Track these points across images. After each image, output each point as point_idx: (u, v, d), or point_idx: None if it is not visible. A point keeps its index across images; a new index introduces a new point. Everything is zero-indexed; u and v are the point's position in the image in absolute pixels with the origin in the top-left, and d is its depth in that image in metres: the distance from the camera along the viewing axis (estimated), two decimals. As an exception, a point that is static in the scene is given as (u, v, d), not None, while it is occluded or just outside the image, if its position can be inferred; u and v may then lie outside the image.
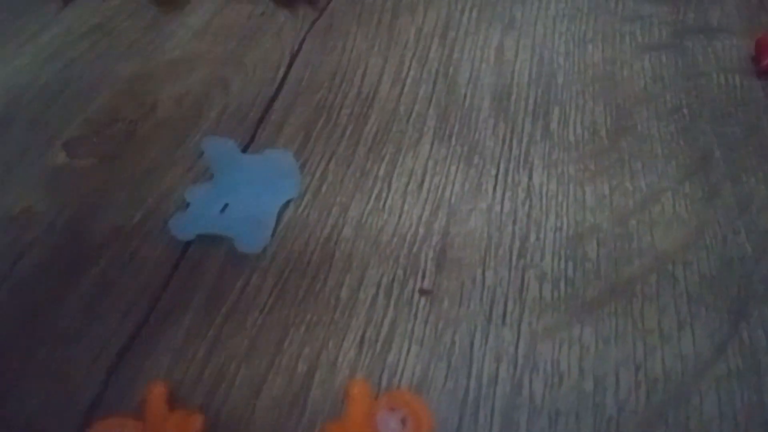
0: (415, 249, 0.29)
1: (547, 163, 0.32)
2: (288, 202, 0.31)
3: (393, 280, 0.28)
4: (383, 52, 0.39)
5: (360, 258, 0.28)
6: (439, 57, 0.39)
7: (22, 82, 0.37)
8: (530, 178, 0.31)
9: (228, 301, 0.27)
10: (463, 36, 0.40)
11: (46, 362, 0.25)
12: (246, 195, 0.30)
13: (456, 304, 0.27)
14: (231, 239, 0.29)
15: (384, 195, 0.31)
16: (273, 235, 0.29)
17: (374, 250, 0.29)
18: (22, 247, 0.29)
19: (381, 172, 0.32)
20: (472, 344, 0.25)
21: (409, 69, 0.38)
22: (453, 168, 0.32)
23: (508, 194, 0.31)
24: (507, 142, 0.33)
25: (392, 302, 0.27)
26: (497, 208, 0.30)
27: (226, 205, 0.30)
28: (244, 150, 0.33)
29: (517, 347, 0.25)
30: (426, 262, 0.28)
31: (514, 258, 0.28)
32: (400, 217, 0.30)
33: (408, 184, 0.31)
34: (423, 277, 0.28)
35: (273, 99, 0.36)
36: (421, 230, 0.29)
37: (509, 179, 0.31)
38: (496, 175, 0.32)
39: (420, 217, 0.30)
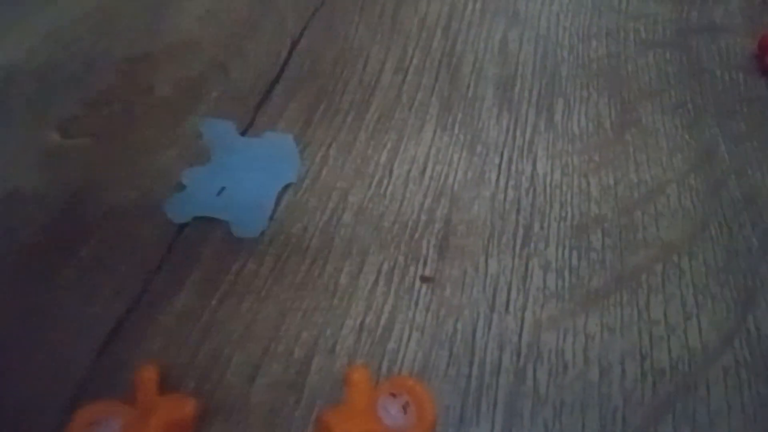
0: (416, 236, 0.28)
1: (551, 153, 0.31)
2: (287, 186, 0.30)
3: (394, 266, 0.27)
4: (385, 42, 0.39)
5: (360, 244, 0.28)
6: (442, 47, 0.38)
7: (17, 61, 0.36)
8: (534, 167, 0.31)
9: (223, 284, 0.26)
10: (466, 28, 0.40)
11: (35, 342, 0.24)
12: (244, 178, 0.29)
13: (458, 292, 0.26)
14: (227, 223, 0.28)
15: (385, 182, 0.30)
16: (271, 219, 0.29)
17: (375, 237, 0.28)
18: (13, 226, 0.28)
19: (382, 159, 0.31)
20: (474, 332, 0.25)
21: (411, 58, 0.37)
22: (456, 156, 0.31)
23: (511, 183, 0.30)
24: (510, 131, 0.33)
25: (393, 289, 0.26)
26: (500, 196, 0.30)
27: (223, 188, 0.29)
28: (243, 133, 0.32)
29: (520, 336, 0.25)
30: (428, 249, 0.28)
31: (518, 247, 0.28)
32: (401, 203, 0.29)
33: (410, 171, 0.31)
34: (424, 264, 0.27)
35: (273, 84, 0.35)
36: (423, 217, 0.29)
37: (513, 168, 0.31)
38: (500, 164, 0.31)
39: (422, 204, 0.29)
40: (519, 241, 0.28)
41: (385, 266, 0.27)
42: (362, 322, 0.25)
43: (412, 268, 0.27)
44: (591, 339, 0.24)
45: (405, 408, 0.21)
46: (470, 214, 0.29)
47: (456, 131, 0.33)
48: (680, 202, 0.29)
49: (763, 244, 0.27)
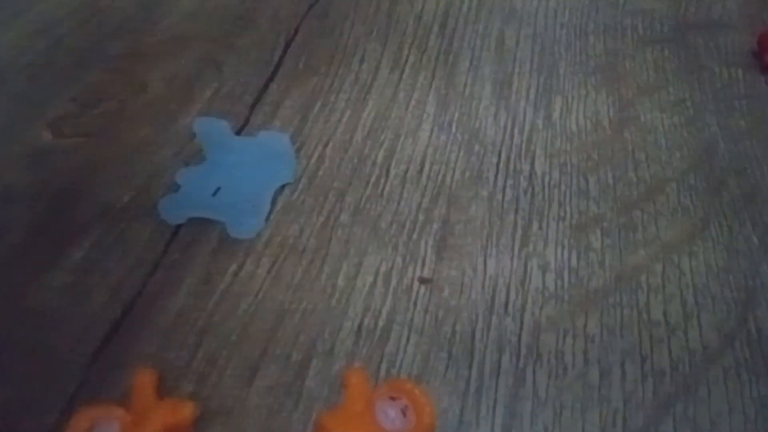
0: (414, 236, 0.28)
1: (549, 152, 0.31)
2: (283, 187, 0.30)
3: (392, 267, 0.27)
4: (381, 39, 0.38)
5: (357, 245, 0.27)
6: (438, 45, 0.38)
7: (7, 57, 0.36)
8: (532, 166, 0.31)
9: (220, 285, 0.26)
10: (462, 25, 0.39)
11: (28, 345, 0.24)
12: (239, 178, 0.29)
13: (457, 293, 0.26)
14: (223, 223, 0.28)
15: (382, 181, 0.30)
16: (267, 219, 0.28)
17: (372, 237, 0.28)
18: (4, 226, 0.28)
19: (379, 159, 0.31)
20: (473, 334, 0.25)
21: (408, 56, 0.37)
22: (453, 155, 0.31)
23: (509, 182, 0.30)
24: (508, 130, 0.32)
25: (391, 290, 0.26)
26: (499, 196, 0.29)
27: (218, 188, 0.29)
28: (238, 132, 0.32)
29: (519, 337, 0.24)
30: (426, 249, 0.27)
31: (517, 247, 0.27)
32: (399, 203, 0.29)
33: (407, 170, 0.30)
34: (423, 265, 0.27)
35: (268, 82, 0.35)
36: (421, 217, 0.28)
37: (511, 167, 0.31)
38: (498, 163, 0.31)
39: (419, 204, 0.29)
40: (517, 242, 0.27)
41: (383, 267, 0.27)
42: (360, 324, 0.25)
43: (410, 269, 0.27)
44: (591, 340, 0.24)
45: (404, 411, 0.21)
46: (468, 214, 0.28)
47: (453, 130, 0.32)
48: (680, 200, 0.29)
49: (763, 243, 0.27)
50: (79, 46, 0.37)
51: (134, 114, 0.33)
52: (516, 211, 0.29)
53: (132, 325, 0.25)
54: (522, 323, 0.25)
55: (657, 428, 0.22)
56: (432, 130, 0.32)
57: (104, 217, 0.28)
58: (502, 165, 0.31)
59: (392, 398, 0.21)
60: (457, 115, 0.33)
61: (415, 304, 0.25)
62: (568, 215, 0.28)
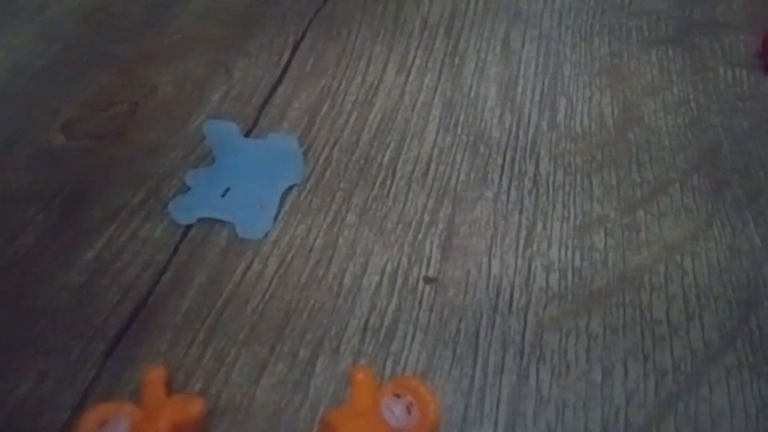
0: (420, 237, 0.28)
1: (553, 153, 0.32)
2: (291, 188, 0.30)
3: (397, 267, 0.27)
4: (388, 41, 0.39)
5: (364, 245, 0.28)
6: (444, 47, 0.38)
7: (21, 61, 0.37)
8: (537, 167, 0.31)
9: (228, 285, 0.26)
10: (468, 27, 0.40)
11: (41, 343, 0.25)
12: (248, 179, 0.30)
13: (461, 292, 0.26)
14: (232, 224, 0.28)
15: (388, 182, 0.30)
16: (275, 220, 0.29)
17: (378, 237, 0.28)
18: (17, 226, 0.29)
19: (385, 160, 0.31)
20: (477, 332, 0.25)
21: (414, 58, 0.37)
22: (458, 157, 0.32)
23: (514, 183, 0.30)
24: (513, 131, 0.33)
25: (396, 289, 0.26)
26: (503, 197, 0.30)
27: (227, 189, 0.29)
28: (247, 134, 0.32)
29: (523, 336, 0.25)
30: (431, 249, 0.28)
31: (521, 247, 0.28)
32: (404, 204, 0.29)
33: (413, 172, 0.31)
34: (428, 265, 0.27)
35: (276, 84, 0.35)
36: (426, 218, 0.29)
37: (515, 169, 0.31)
38: (503, 165, 0.31)
39: (425, 205, 0.29)
40: (522, 242, 0.28)
41: (389, 267, 0.27)
42: (366, 323, 0.25)
43: (415, 269, 0.27)
44: (593, 339, 0.25)
45: (409, 408, 0.22)
46: (473, 215, 0.29)
47: (459, 131, 0.33)
48: (683, 201, 0.29)
49: (766, 243, 0.27)
50: (90, 49, 0.37)
51: (145, 116, 0.34)
52: (520, 212, 0.29)
53: (143, 323, 0.25)
54: (526, 322, 0.25)
55: (659, 427, 0.22)
56: (438, 132, 0.33)
57: (115, 217, 0.29)
58: (507, 166, 0.31)
59: (397, 395, 0.22)
60: (462, 116, 0.34)
61: (420, 303, 0.26)
62: (572, 216, 0.29)
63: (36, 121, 0.33)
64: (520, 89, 0.35)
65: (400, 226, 0.29)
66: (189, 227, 0.28)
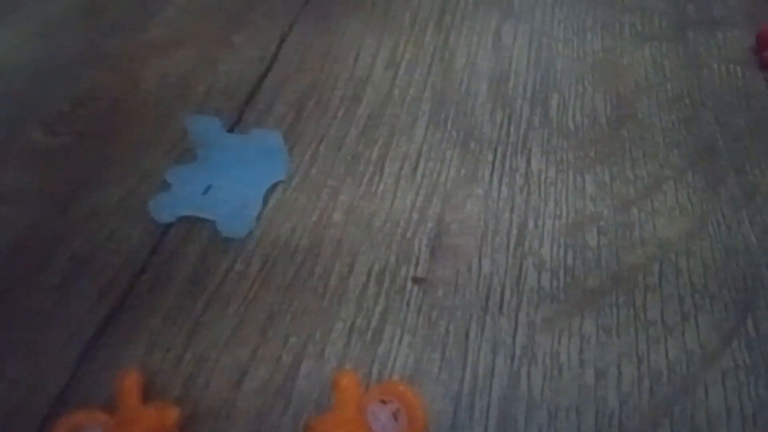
0: (408, 235, 0.27)
1: (545, 149, 0.31)
2: (275, 185, 0.29)
3: (385, 267, 0.26)
4: (377, 35, 0.38)
5: (350, 244, 0.27)
6: (434, 41, 0.37)
7: (2, 55, 0.35)
8: (528, 164, 0.30)
9: (209, 286, 0.26)
10: (459, 21, 0.39)
11: (14, 347, 0.24)
12: (231, 176, 0.29)
13: (451, 293, 0.25)
14: (214, 222, 0.27)
15: (376, 179, 0.30)
16: (259, 218, 0.28)
17: (366, 236, 0.27)
18: (-10, 226, 0.28)
19: (373, 156, 0.31)
20: (467, 334, 0.24)
21: (404, 53, 0.37)
22: (448, 153, 0.31)
23: (505, 180, 0.29)
24: (504, 127, 0.32)
25: (384, 290, 0.25)
26: (494, 194, 0.29)
27: (209, 187, 0.28)
28: (231, 130, 0.31)
29: (514, 338, 0.24)
30: (420, 249, 0.27)
31: (512, 246, 0.27)
32: (393, 202, 0.29)
33: (401, 168, 0.30)
34: (416, 264, 0.26)
35: (262, 79, 0.34)
36: (415, 216, 0.28)
37: (507, 165, 0.30)
38: (493, 161, 0.30)
39: (414, 203, 0.29)
40: (513, 240, 0.27)
41: (376, 267, 0.26)
42: (352, 325, 0.24)
43: (403, 269, 0.26)
44: (586, 340, 0.24)
45: (395, 415, 0.21)
46: (463, 213, 0.28)
47: (449, 127, 0.32)
48: (678, 199, 0.29)
49: (762, 242, 0.27)
50: (74, 44, 0.36)
51: (127, 112, 0.33)
52: (511, 210, 0.28)
53: (120, 326, 0.24)
54: (517, 323, 0.24)
55: (654, 430, 0.22)
56: (427, 128, 0.32)
57: (94, 216, 0.28)
58: (498, 162, 0.30)
59: (383, 401, 0.21)
60: (453, 112, 0.33)
61: (408, 304, 0.25)
62: (565, 213, 0.28)
63: (15, 117, 0.32)
64: (511, 84, 0.34)
65: (387, 225, 0.28)
66: (169, 226, 0.27)
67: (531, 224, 0.28)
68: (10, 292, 0.25)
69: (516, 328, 0.24)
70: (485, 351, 0.24)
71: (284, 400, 0.22)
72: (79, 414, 0.20)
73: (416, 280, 0.26)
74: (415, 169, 0.30)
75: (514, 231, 0.27)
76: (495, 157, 0.30)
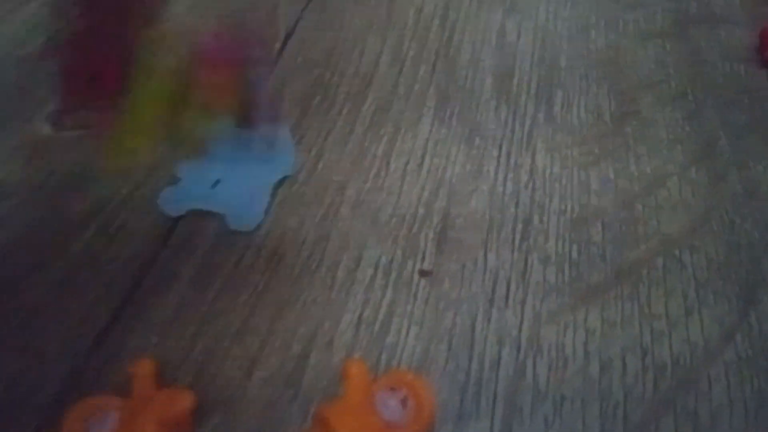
0: (414, 229, 0.28)
1: (550, 145, 0.31)
2: (283, 179, 0.29)
3: (392, 260, 0.27)
4: (381, 32, 0.38)
5: (357, 237, 0.27)
6: (439, 38, 0.38)
7: (7, 49, 0.36)
8: (533, 160, 0.30)
9: (219, 278, 0.26)
10: (463, 18, 0.39)
11: (27, 338, 0.24)
12: (239, 170, 0.29)
13: (457, 286, 0.26)
14: (223, 215, 0.28)
15: (382, 174, 0.30)
16: (267, 212, 0.28)
17: (372, 230, 0.28)
18: (1, 218, 0.28)
19: (379, 151, 0.31)
20: (473, 326, 0.24)
21: (408, 49, 0.37)
22: (454, 149, 0.31)
23: (510, 176, 0.30)
24: (509, 124, 0.32)
25: (391, 283, 0.26)
26: (499, 189, 0.29)
27: (218, 181, 0.29)
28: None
29: (520, 330, 0.24)
30: (426, 242, 0.27)
31: (517, 240, 0.27)
32: (399, 196, 0.29)
33: (407, 163, 0.30)
34: (423, 258, 0.27)
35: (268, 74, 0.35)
36: (421, 210, 0.28)
37: (511, 161, 0.30)
38: (498, 157, 0.31)
39: (420, 198, 0.29)
40: (518, 235, 0.27)
41: (383, 260, 0.27)
42: (360, 316, 0.25)
43: (410, 262, 0.26)
44: (591, 333, 0.24)
45: (404, 402, 0.21)
46: (469, 208, 0.28)
47: (454, 123, 0.32)
48: (681, 194, 0.29)
49: (764, 237, 0.27)
50: (78, 38, 0.37)
51: (133, 106, 0.33)
52: (516, 205, 0.29)
53: (131, 317, 0.24)
54: (522, 316, 0.25)
55: (658, 422, 0.22)
56: (432, 124, 0.32)
57: (103, 209, 0.28)
58: (502, 158, 0.31)
59: (392, 389, 0.21)
60: (457, 108, 0.33)
61: (415, 296, 0.25)
62: (569, 209, 0.28)
63: (22, 111, 0.32)
64: (515, 81, 0.35)
65: (394, 219, 0.28)
66: (178, 219, 0.28)
67: (536, 219, 0.28)
68: (20, 285, 0.25)
69: (521, 321, 0.25)
70: (491, 343, 0.24)
71: (294, 388, 0.23)
72: (93, 399, 0.21)
73: (423, 273, 0.26)
74: (420, 164, 0.30)
75: (519, 226, 0.28)
76: (500, 152, 0.31)
